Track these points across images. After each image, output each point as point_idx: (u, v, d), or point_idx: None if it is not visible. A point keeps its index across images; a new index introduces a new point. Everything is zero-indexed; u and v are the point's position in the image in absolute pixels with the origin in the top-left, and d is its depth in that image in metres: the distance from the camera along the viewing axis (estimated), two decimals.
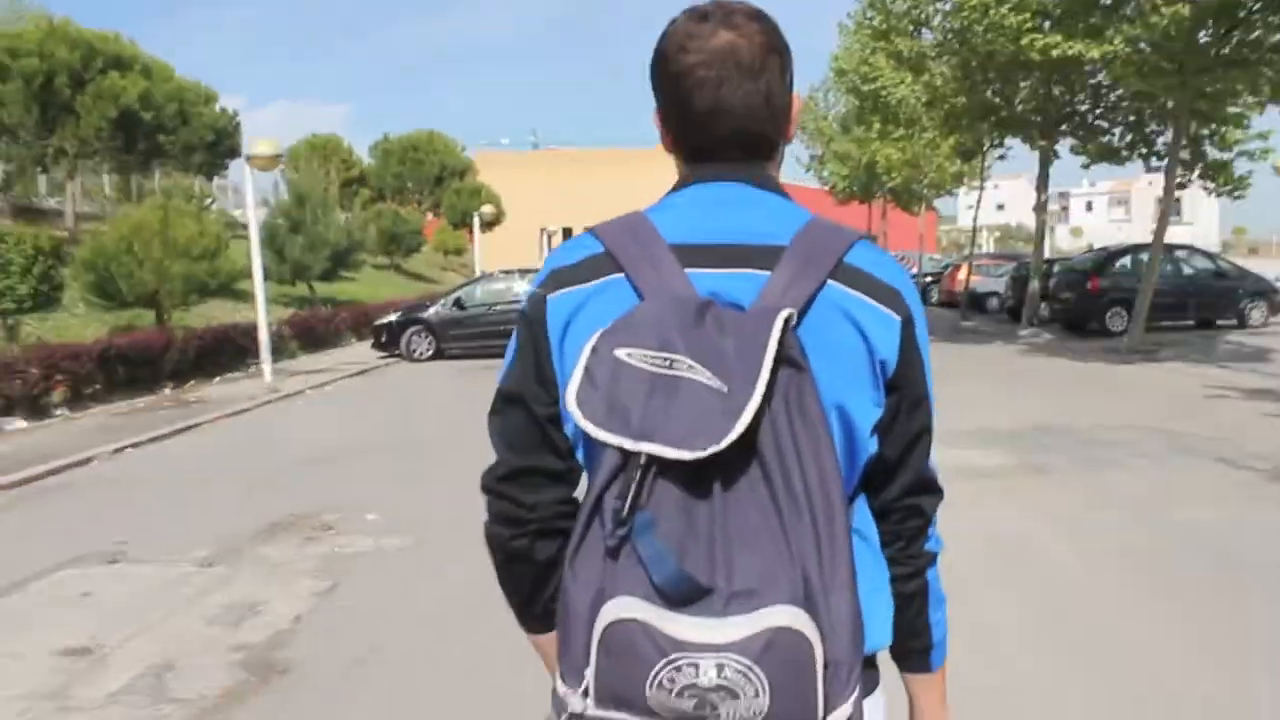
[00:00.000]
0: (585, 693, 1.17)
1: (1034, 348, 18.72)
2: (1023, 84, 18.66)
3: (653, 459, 1.15)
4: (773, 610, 1.11)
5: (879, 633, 1.40)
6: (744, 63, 1.36)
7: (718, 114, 1.37)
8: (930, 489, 1.44)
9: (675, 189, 1.46)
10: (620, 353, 1.20)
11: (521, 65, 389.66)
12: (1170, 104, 16.61)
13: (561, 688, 1.23)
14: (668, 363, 1.18)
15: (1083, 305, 20.90)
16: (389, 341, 20.08)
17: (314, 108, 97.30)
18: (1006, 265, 29.02)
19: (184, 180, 28.28)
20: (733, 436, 1.12)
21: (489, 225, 45.08)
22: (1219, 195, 20.56)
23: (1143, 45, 15.04)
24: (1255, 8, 14.03)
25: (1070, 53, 15.51)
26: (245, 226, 18.43)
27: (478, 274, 27.22)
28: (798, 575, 1.14)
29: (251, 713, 4.23)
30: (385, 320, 20.57)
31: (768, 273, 1.31)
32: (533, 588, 1.43)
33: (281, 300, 23.43)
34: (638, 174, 49.87)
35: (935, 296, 31.86)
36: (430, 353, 19.74)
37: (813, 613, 1.13)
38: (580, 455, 1.38)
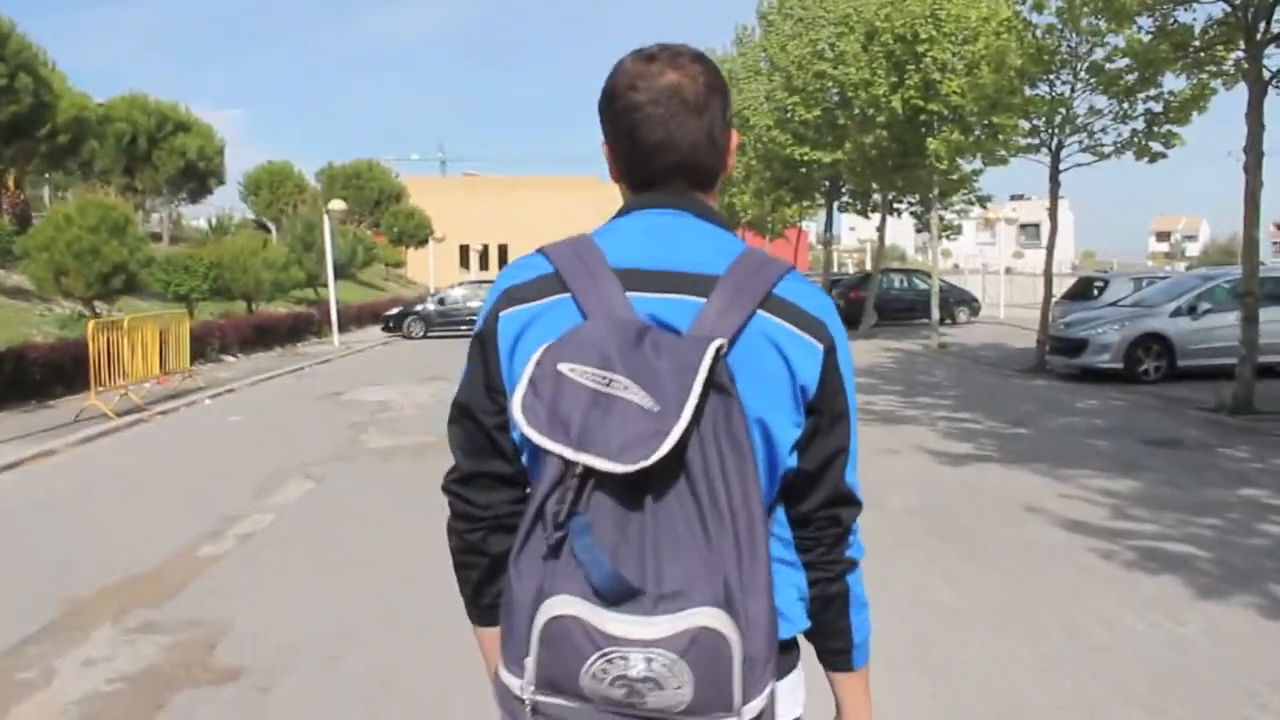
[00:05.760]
0: (526, 679, 1.30)
1: None
2: (801, 169, 29.71)
3: (590, 469, 1.25)
4: (696, 611, 1.22)
5: (794, 622, 1.51)
6: (689, 101, 1.48)
7: (665, 148, 1.49)
8: (848, 501, 1.53)
9: (621, 213, 1.56)
10: (563, 367, 1.29)
11: (421, 72, 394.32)
12: (876, 186, 27.94)
13: (504, 674, 1.36)
14: (606, 380, 1.27)
15: (848, 308, 32.01)
16: (394, 326, 30.45)
17: (204, 112, 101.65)
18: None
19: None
20: (659, 455, 1.22)
21: (422, 243, 55.49)
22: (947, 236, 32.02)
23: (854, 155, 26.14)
24: (909, 141, 25.06)
25: (813, 158, 26.76)
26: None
27: (432, 286, 37.73)
28: (719, 581, 1.24)
29: None
30: (391, 312, 31.08)
31: (702, 300, 1.41)
32: (482, 579, 1.56)
33: (304, 299, 33.38)
34: (549, 199, 61.54)
35: None
36: (422, 334, 30.08)
37: (732, 615, 1.24)
38: (525, 460, 1.50)
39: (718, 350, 1.30)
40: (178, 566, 6.53)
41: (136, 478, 9.68)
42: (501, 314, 1.48)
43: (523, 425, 1.28)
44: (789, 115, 27.28)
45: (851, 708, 1.63)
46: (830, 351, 1.48)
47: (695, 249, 1.48)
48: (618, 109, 1.51)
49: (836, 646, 1.59)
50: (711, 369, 1.29)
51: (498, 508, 1.51)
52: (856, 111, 24.80)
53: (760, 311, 1.42)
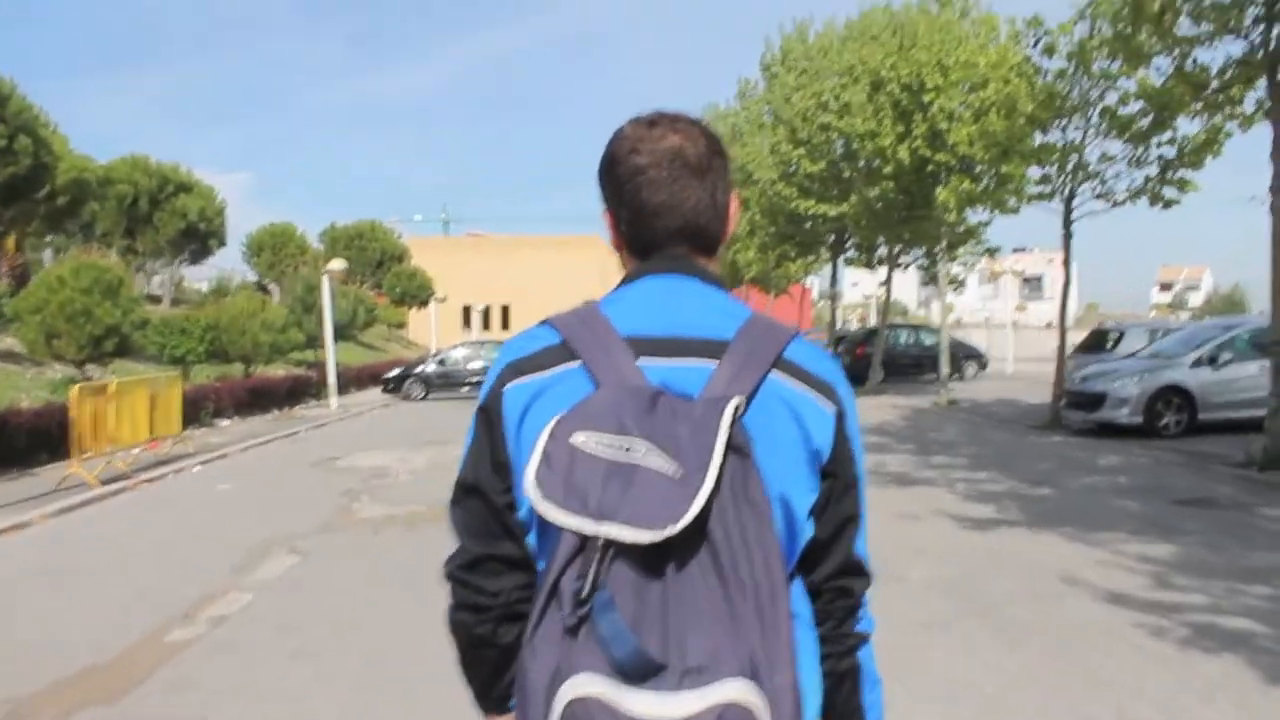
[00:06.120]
0: None
1: None
2: (806, 223, 29.35)
3: (610, 541, 1.19)
4: (723, 685, 1.15)
5: (812, 706, 1.42)
6: (691, 163, 1.47)
7: (668, 210, 1.47)
8: (858, 571, 1.48)
9: (626, 281, 1.53)
10: (578, 438, 1.25)
11: (426, 134, 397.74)
12: (882, 240, 27.60)
13: None
14: (624, 448, 1.23)
15: (854, 364, 31.48)
16: (394, 388, 30.00)
17: (211, 176, 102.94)
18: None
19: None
20: (688, 519, 1.17)
21: (424, 304, 55.24)
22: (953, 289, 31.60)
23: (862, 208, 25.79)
24: (916, 192, 24.68)
25: (819, 212, 26.44)
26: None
27: (433, 347, 37.38)
28: (745, 653, 1.18)
29: None
30: (391, 374, 30.65)
31: (713, 364, 1.38)
32: (494, 671, 1.49)
33: (304, 361, 32.89)
34: (553, 259, 61.40)
35: None
36: (422, 395, 29.59)
37: (759, 688, 1.17)
38: (533, 538, 1.42)
39: (735, 408, 1.27)
40: (142, 654, 5.97)
41: (111, 552, 9.12)
42: (507, 387, 1.43)
43: (537, 501, 1.23)
44: (793, 168, 27.01)
45: None
46: (841, 416, 1.45)
47: (703, 314, 1.45)
48: (620, 174, 1.49)
49: None
50: (731, 430, 1.25)
51: (508, 594, 1.43)
52: (862, 163, 24.49)
53: (773, 374, 1.40)
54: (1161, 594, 6.72)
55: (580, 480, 1.22)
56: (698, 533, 1.20)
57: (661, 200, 1.47)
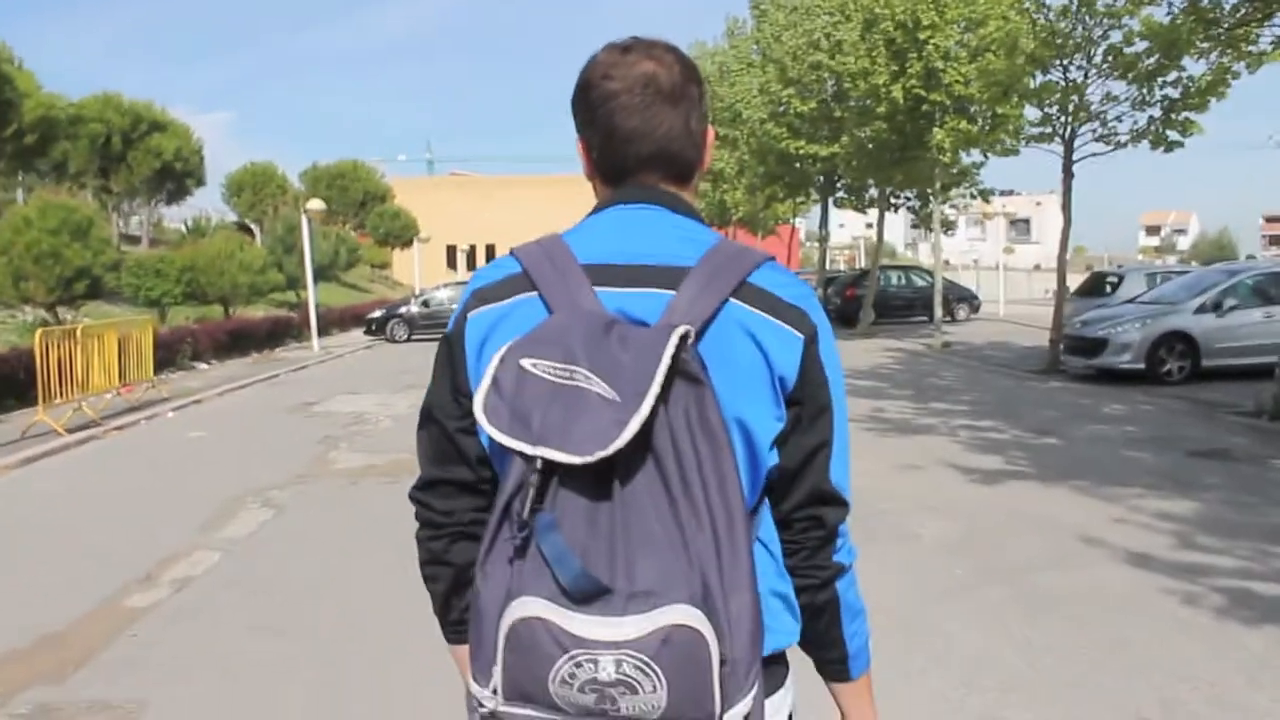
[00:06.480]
0: (494, 689, 1.23)
1: None
2: (796, 164, 28.74)
3: (552, 464, 1.19)
4: (670, 609, 1.14)
5: (781, 634, 1.43)
6: (665, 90, 1.44)
7: (640, 136, 1.45)
8: (831, 501, 1.44)
9: (596, 210, 1.52)
10: (525, 362, 1.24)
11: (410, 72, 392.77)
12: (872, 181, 27.08)
13: (474, 686, 1.29)
14: (569, 374, 1.22)
15: (844, 306, 31.07)
16: (378, 329, 29.47)
17: (191, 115, 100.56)
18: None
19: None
20: (618, 444, 1.16)
21: (407, 244, 54.47)
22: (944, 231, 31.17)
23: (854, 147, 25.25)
24: (910, 133, 24.14)
25: (809, 152, 25.85)
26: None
27: (417, 287, 36.82)
28: (696, 578, 1.17)
29: None
30: (374, 315, 30.08)
31: (673, 292, 1.36)
32: (448, 591, 1.50)
33: (286, 302, 32.33)
34: (537, 197, 60.57)
35: None
36: (406, 337, 29.09)
37: (710, 613, 1.17)
38: (496, 464, 1.41)
39: (683, 337, 1.25)
40: (97, 623, 5.53)
41: (75, 507, 8.67)
42: (470, 315, 1.45)
43: (485, 424, 1.24)
44: (783, 108, 26.38)
45: (853, 716, 1.57)
46: (811, 341, 1.41)
47: (667, 241, 1.43)
48: (592, 99, 1.47)
49: (831, 656, 1.52)
50: (678, 357, 1.24)
51: (460, 515, 1.47)
52: (854, 103, 23.86)
53: (733, 300, 1.37)
54: (1188, 555, 6.33)
55: (526, 405, 1.22)
56: (645, 458, 1.21)
57: (634, 126, 1.44)
